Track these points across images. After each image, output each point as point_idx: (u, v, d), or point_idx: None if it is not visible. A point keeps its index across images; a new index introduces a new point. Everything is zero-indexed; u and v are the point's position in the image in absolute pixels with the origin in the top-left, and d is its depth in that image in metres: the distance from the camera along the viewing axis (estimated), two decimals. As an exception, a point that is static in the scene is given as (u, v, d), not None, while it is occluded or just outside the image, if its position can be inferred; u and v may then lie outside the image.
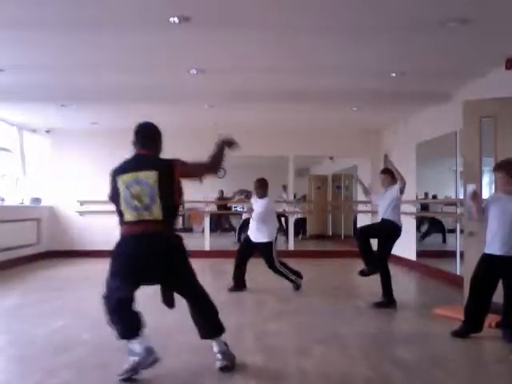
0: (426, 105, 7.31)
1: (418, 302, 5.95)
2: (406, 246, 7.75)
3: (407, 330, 4.42)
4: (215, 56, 5.21)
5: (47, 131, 9.55)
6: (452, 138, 6.60)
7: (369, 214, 9.59)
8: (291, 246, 9.98)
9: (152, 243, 2.92)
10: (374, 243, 5.18)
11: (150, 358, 2.91)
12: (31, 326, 4.26)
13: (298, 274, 5.93)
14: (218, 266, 7.92)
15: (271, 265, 5.83)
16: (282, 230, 9.87)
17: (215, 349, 3.16)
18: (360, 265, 5.34)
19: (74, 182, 9.52)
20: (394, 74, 5.74)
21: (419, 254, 7.97)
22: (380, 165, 8.53)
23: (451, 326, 4.09)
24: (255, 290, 5.95)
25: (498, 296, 3.90)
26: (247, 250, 5.96)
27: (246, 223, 6.91)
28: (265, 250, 5.83)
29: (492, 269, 3.87)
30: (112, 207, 3.10)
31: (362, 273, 5.17)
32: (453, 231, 6.97)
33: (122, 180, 2.99)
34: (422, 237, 8.46)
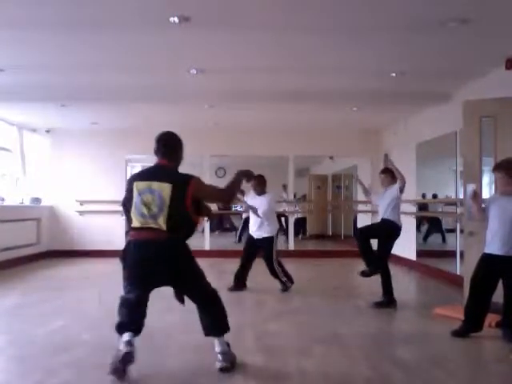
0: (426, 105, 7.31)
1: (418, 301, 5.95)
2: (405, 246, 7.76)
3: (407, 329, 4.42)
4: (215, 56, 5.21)
5: (47, 131, 9.55)
6: (452, 138, 6.60)
7: (369, 213, 9.60)
8: (291, 246, 9.98)
9: (155, 250, 2.97)
10: (374, 243, 5.19)
11: (126, 353, 2.88)
12: (31, 326, 4.26)
13: (290, 279, 5.94)
14: (218, 265, 7.92)
15: (269, 261, 5.84)
16: (282, 230, 9.87)
17: (217, 349, 3.16)
18: (360, 265, 5.34)
19: (73, 182, 9.51)
20: (393, 74, 5.74)
21: (419, 253, 7.97)
22: (380, 165, 8.51)
23: (451, 326, 4.09)
24: (255, 289, 5.95)
25: (498, 296, 3.90)
26: (252, 249, 5.97)
27: (246, 223, 6.91)
28: (267, 245, 5.86)
29: (492, 269, 3.87)
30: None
31: (363, 273, 5.17)
32: (453, 231, 6.97)
33: (137, 187, 3.07)
34: (423, 238, 8.47)
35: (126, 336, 2.94)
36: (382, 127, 9.50)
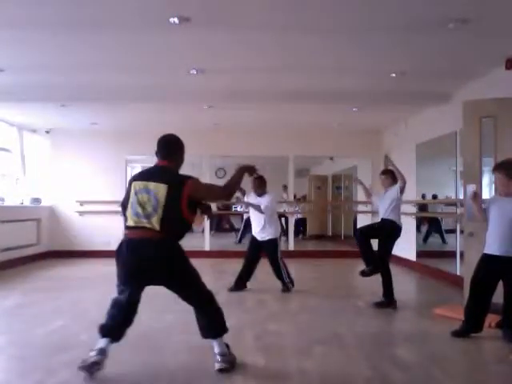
0: (426, 105, 7.31)
1: (418, 302, 5.95)
2: (405, 246, 7.75)
3: (407, 329, 4.43)
4: (215, 56, 5.21)
5: (47, 131, 9.55)
6: (452, 139, 6.60)
7: (369, 214, 9.59)
8: (291, 246, 9.98)
9: (147, 249, 2.97)
10: (374, 243, 5.19)
11: (93, 363, 2.93)
12: (31, 326, 4.25)
13: (292, 281, 5.95)
14: (218, 265, 7.91)
15: (275, 261, 5.85)
16: (282, 231, 9.87)
17: (216, 350, 3.15)
18: (360, 265, 5.34)
19: (73, 183, 9.52)
20: (393, 74, 5.74)
21: (419, 254, 7.97)
22: (380, 165, 8.52)
23: (451, 326, 4.09)
24: (255, 289, 5.95)
25: (498, 296, 3.90)
26: (255, 250, 5.97)
27: (248, 223, 6.91)
28: (271, 247, 5.86)
29: (492, 269, 3.87)
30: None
31: (363, 273, 5.17)
32: (453, 231, 6.97)
33: (135, 186, 3.09)
34: (424, 240, 8.47)
35: (103, 342, 2.99)
36: (382, 127, 9.50)
